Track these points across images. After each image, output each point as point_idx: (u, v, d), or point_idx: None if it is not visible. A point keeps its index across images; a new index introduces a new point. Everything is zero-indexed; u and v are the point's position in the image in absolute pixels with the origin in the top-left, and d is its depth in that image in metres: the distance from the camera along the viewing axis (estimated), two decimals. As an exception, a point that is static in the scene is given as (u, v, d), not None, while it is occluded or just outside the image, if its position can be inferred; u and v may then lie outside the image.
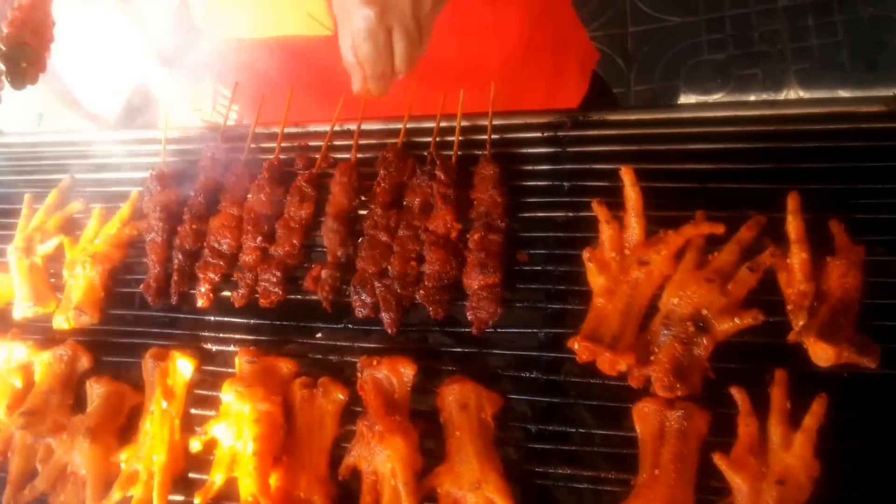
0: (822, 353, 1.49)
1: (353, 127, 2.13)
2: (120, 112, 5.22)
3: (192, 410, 1.94)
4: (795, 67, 4.64)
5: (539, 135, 1.97)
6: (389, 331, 1.84)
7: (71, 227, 2.30)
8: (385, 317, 1.84)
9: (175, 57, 4.82)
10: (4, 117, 4.89)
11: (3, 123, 3.58)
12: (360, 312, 1.87)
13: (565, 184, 1.89)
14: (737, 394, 1.53)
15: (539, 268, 1.83)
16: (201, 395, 1.95)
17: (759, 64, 4.70)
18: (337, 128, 2.13)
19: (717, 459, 1.48)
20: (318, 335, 1.96)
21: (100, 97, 5.11)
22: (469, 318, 1.78)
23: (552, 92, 2.51)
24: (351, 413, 1.80)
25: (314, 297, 1.95)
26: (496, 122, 1.97)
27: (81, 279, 2.12)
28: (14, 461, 1.96)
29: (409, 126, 2.05)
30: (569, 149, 1.93)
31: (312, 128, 2.21)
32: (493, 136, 1.97)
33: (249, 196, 2.09)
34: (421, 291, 1.84)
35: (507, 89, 2.19)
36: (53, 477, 1.90)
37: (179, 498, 1.83)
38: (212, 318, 2.06)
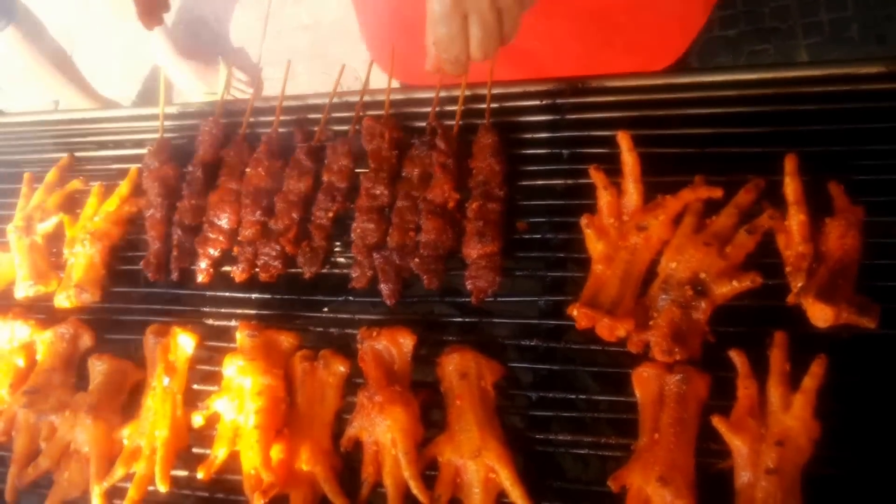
0: (820, 314, 1.50)
1: (352, 99, 2.15)
2: (135, 98, 5.28)
3: (196, 386, 1.96)
4: (806, 42, 4.62)
5: (537, 102, 1.98)
6: (388, 302, 1.87)
7: (71, 206, 2.32)
8: (384, 288, 1.86)
9: (188, 42, 4.88)
10: (21, 104, 4.98)
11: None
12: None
13: (564, 151, 1.90)
14: (736, 357, 1.55)
15: (538, 236, 1.85)
16: (205, 370, 1.98)
17: (770, 40, 4.68)
18: (336, 100, 2.15)
19: (717, 422, 1.50)
20: (325, 309, 1.97)
21: (115, 83, 5.18)
22: (468, 287, 1.80)
23: (672, 27, 2.32)
24: (353, 385, 1.82)
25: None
26: (494, 91, 1.98)
27: (82, 257, 2.14)
28: (18, 440, 1.99)
29: (410, 97, 2.07)
30: (567, 116, 1.94)
31: (311, 100, 2.22)
32: (492, 105, 1.98)
33: (248, 170, 2.11)
34: (416, 260, 1.85)
35: (630, 27, 2.15)
36: (57, 455, 1.93)
37: (183, 473, 1.86)
38: (213, 294, 2.08)
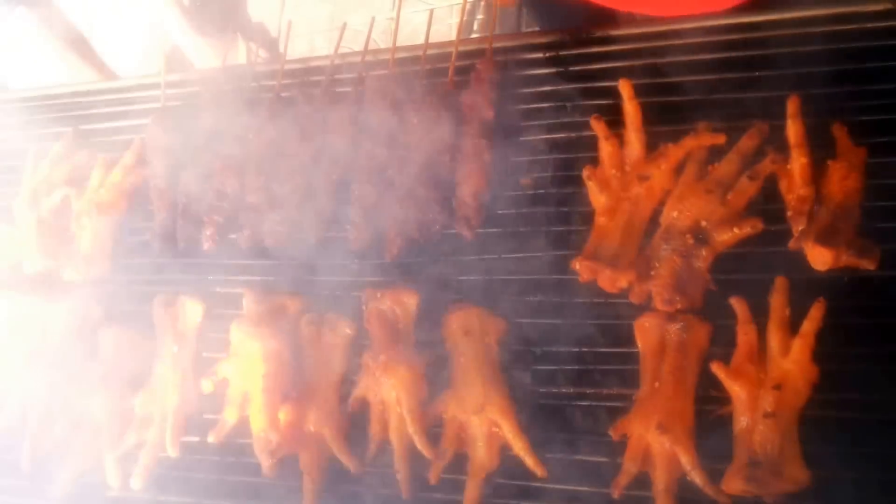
0: (819, 257, 1.59)
1: (354, 59, 2.25)
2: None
3: (205, 354, 2.08)
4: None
5: (540, 55, 2.06)
6: (387, 258, 1.98)
7: (77, 180, 2.42)
8: (386, 249, 1.98)
9: (204, 18, 4.97)
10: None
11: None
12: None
13: (568, 104, 1.98)
14: (736, 303, 1.63)
15: (542, 191, 1.93)
16: (214, 337, 2.09)
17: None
18: (338, 61, 2.25)
19: (716, 368, 1.59)
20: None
21: (136, 63, 5.30)
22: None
23: None
24: (360, 347, 1.93)
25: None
26: (495, 45, 2.07)
27: (89, 230, 2.27)
28: (33, 412, 2.12)
29: (412, 55, 2.17)
30: (570, 68, 2.02)
31: (314, 63, 2.33)
32: (494, 59, 2.05)
33: (251, 136, 2.20)
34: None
35: None
36: (71, 425, 2.07)
37: (195, 439, 1.99)
38: (220, 262, 2.18)
